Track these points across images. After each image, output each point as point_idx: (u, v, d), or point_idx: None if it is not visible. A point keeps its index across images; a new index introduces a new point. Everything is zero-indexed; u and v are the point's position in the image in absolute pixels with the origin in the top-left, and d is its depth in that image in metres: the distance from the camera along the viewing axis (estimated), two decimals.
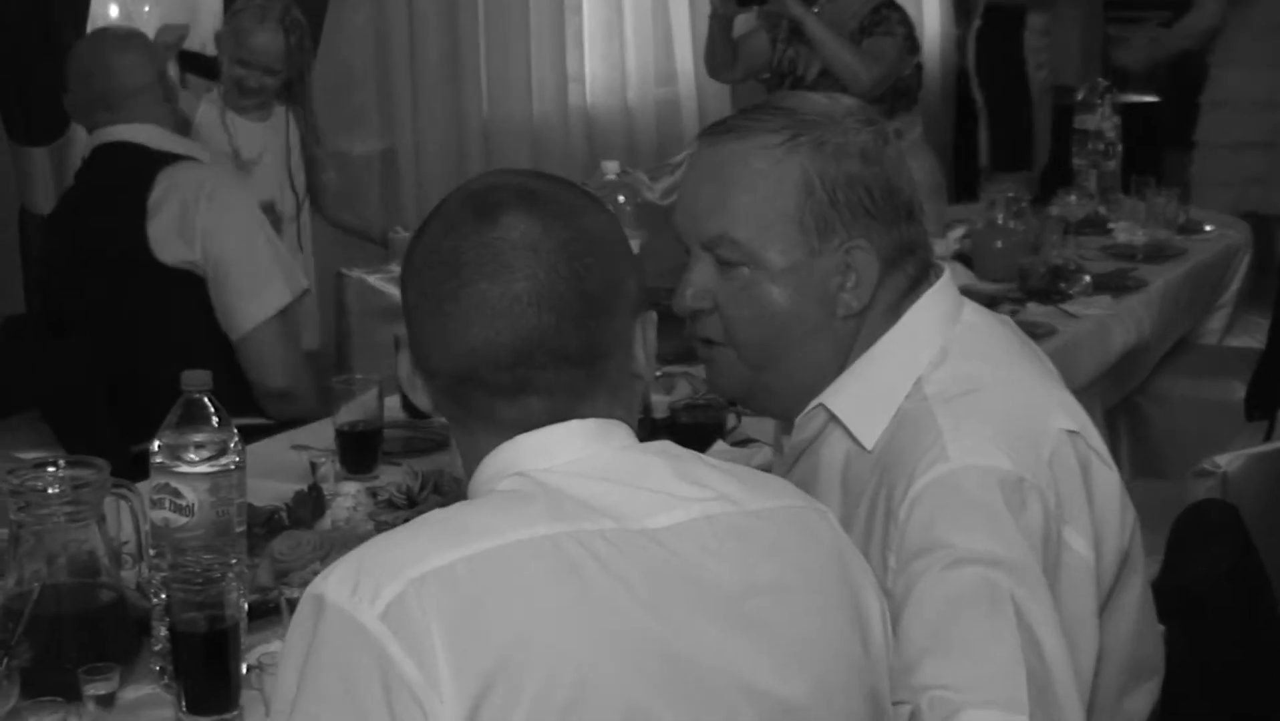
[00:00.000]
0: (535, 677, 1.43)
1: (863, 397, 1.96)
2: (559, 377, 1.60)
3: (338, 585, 1.47)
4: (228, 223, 3.67)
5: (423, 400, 1.69)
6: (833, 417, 1.98)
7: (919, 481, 1.83)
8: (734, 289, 1.97)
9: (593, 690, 1.45)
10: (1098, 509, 1.92)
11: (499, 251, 1.59)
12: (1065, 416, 1.94)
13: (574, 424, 1.61)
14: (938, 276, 2.04)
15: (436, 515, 1.56)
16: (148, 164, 3.69)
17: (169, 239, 3.63)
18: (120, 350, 3.64)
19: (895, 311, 1.99)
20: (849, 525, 1.88)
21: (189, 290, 3.66)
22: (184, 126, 4.08)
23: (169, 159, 3.72)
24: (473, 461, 1.65)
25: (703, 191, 1.98)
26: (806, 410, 2.00)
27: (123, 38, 3.98)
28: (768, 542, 1.60)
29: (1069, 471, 1.89)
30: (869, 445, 1.93)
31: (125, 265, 3.66)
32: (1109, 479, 1.96)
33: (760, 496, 1.63)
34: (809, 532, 1.65)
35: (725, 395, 2.14)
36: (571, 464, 1.58)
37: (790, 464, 2.05)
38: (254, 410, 3.62)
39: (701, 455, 1.68)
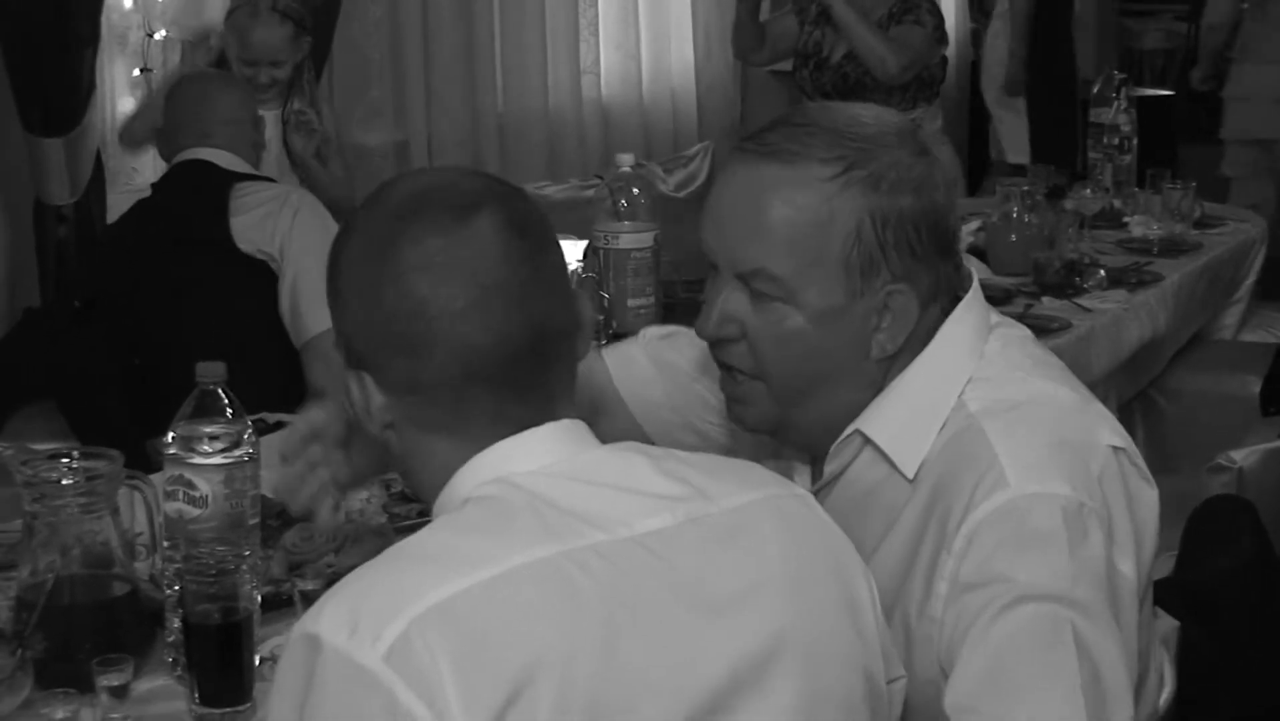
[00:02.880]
0: (546, 705, 1.41)
1: (901, 422, 1.88)
2: (556, 367, 1.60)
3: (333, 625, 1.43)
4: (309, 232, 3.77)
5: (378, 422, 1.63)
6: (868, 443, 1.91)
7: (978, 510, 1.76)
8: (766, 321, 1.88)
9: (605, 711, 1.44)
10: (1138, 528, 1.85)
11: (496, 235, 1.57)
12: (1110, 431, 1.88)
13: (547, 428, 1.59)
14: (965, 286, 1.96)
15: (423, 542, 1.52)
16: (223, 177, 3.84)
17: (249, 232, 3.76)
18: (178, 332, 3.66)
19: (924, 339, 1.91)
20: (887, 551, 1.85)
21: (261, 280, 3.76)
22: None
23: (243, 176, 3.87)
24: (441, 475, 1.61)
25: (742, 217, 1.87)
26: (841, 437, 1.92)
27: (228, 77, 4.30)
28: (755, 540, 1.59)
29: (1116, 490, 1.83)
30: (910, 473, 1.86)
31: (206, 247, 3.76)
32: (1150, 496, 1.89)
33: (740, 489, 1.62)
34: (792, 522, 1.63)
35: (748, 429, 2.02)
36: (551, 465, 1.56)
37: (820, 492, 1.96)
38: (293, 408, 3.64)
39: (673, 451, 1.66)
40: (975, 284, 1.97)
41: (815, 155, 1.84)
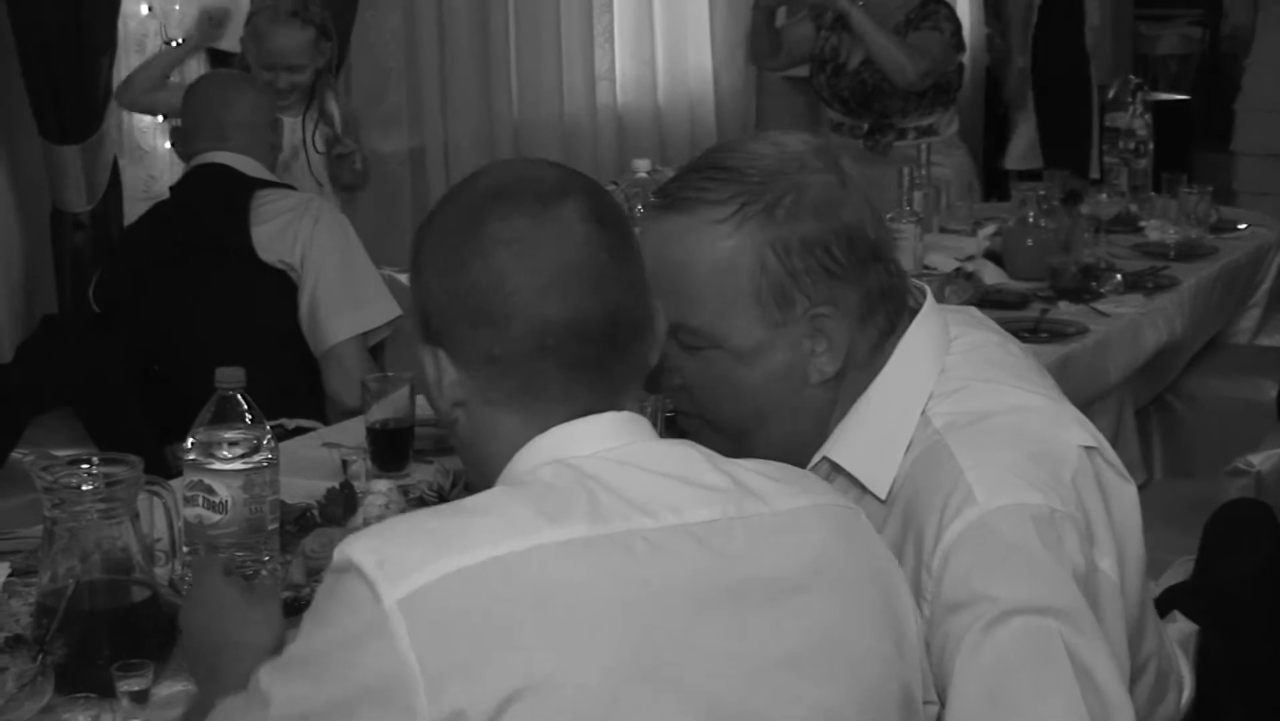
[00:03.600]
0: (567, 687, 1.42)
1: (866, 444, 1.88)
2: (625, 357, 1.63)
3: (364, 551, 1.46)
4: (329, 240, 3.78)
5: (449, 400, 1.66)
6: (836, 469, 1.91)
7: (950, 530, 1.76)
8: (699, 369, 1.90)
9: (632, 695, 1.45)
10: (1117, 525, 1.85)
11: (581, 222, 1.61)
12: (1081, 431, 1.88)
13: (609, 416, 1.62)
14: (920, 299, 1.96)
15: (473, 504, 1.54)
16: (244, 183, 3.83)
17: (272, 242, 3.75)
18: (196, 339, 3.68)
19: (876, 356, 1.91)
20: None
21: (280, 288, 3.77)
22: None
23: (262, 183, 3.86)
24: (504, 454, 1.63)
25: (654, 273, 1.84)
26: (810, 465, 1.91)
27: (246, 79, 4.25)
28: (803, 540, 1.59)
29: (1091, 490, 1.83)
30: (881, 494, 1.86)
31: (227, 256, 3.76)
32: (1127, 493, 1.90)
33: (792, 493, 1.63)
34: (841, 531, 1.64)
35: None
36: (609, 450, 1.59)
37: None
38: (311, 414, 3.66)
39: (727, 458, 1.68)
40: (929, 298, 1.97)
41: (710, 198, 1.86)
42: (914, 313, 1.94)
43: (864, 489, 1.88)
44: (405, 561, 1.44)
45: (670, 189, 1.91)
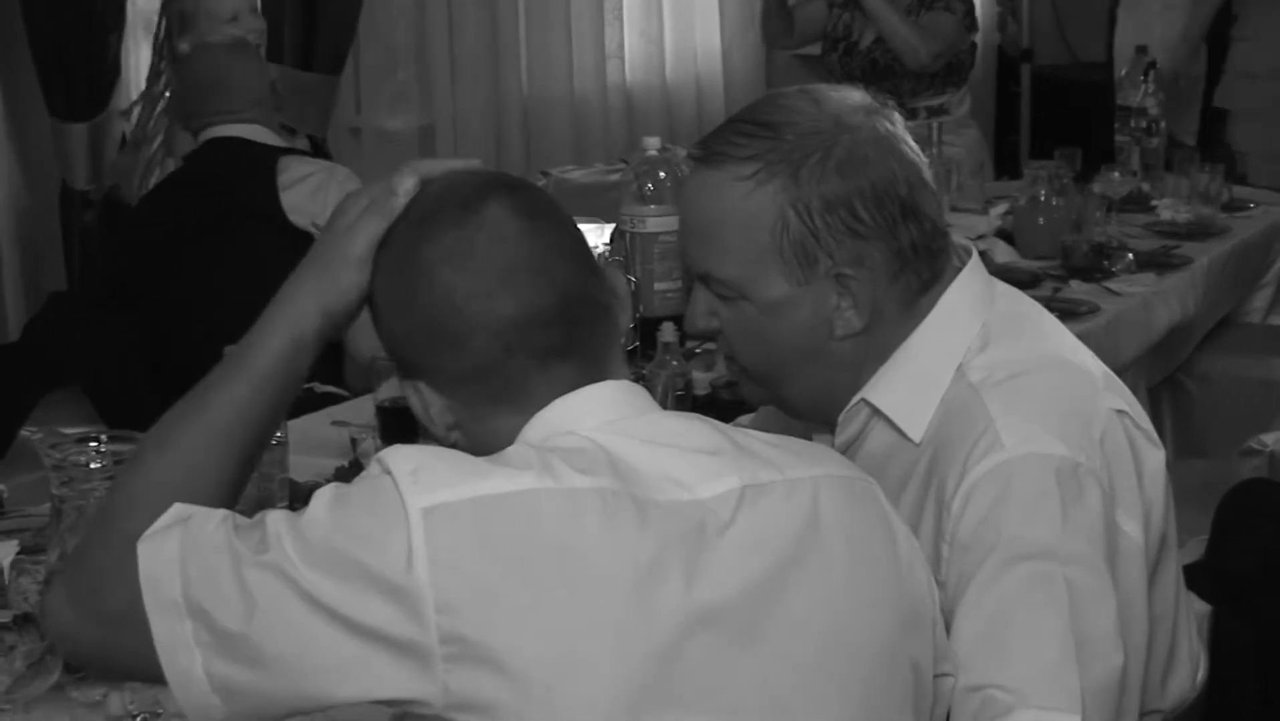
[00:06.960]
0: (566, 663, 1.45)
1: (905, 390, 1.92)
2: (593, 331, 1.64)
3: (401, 460, 1.50)
4: None
5: (442, 425, 1.66)
6: (876, 412, 1.94)
7: (974, 471, 1.80)
8: (732, 316, 1.93)
9: (630, 676, 1.46)
10: (1147, 489, 1.89)
11: (509, 219, 1.62)
12: (1113, 395, 1.92)
13: (608, 385, 1.63)
14: (965, 259, 1.99)
15: (512, 450, 1.57)
16: (264, 153, 3.85)
17: (302, 205, 3.78)
18: (220, 307, 3.68)
19: (915, 308, 1.93)
20: None
21: (302, 252, 3.73)
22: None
23: (284, 150, 3.88)
24: (502, 445, 1.62)
25: (688, 223, 1.95)
26: (848, 407, 1.95)
27: (242, 46, 4.18)
28: (811, 512, 1.60)
29: (1120, 452, 1.87)
30: (916, 437, 1.90)
31: (256, 221, 3.78)
32: (1156, 458, 1.94)
33: (804, 463, 1.64)
34: (854, 502, 1.65)
35: (754, 403, 2.14)
36: (617, 422, 1.60)
37: None
38: (332, 378, 3.68)
39: (739, 428, 1.69)
40: (975, 256, 2.00)
41: (738, 155, 1.88)
42: (958, 271, 1.97)
43: (899, 432, 1.91)
44: (437, 478, 1.48)
45: (707, 141, 1.94)
